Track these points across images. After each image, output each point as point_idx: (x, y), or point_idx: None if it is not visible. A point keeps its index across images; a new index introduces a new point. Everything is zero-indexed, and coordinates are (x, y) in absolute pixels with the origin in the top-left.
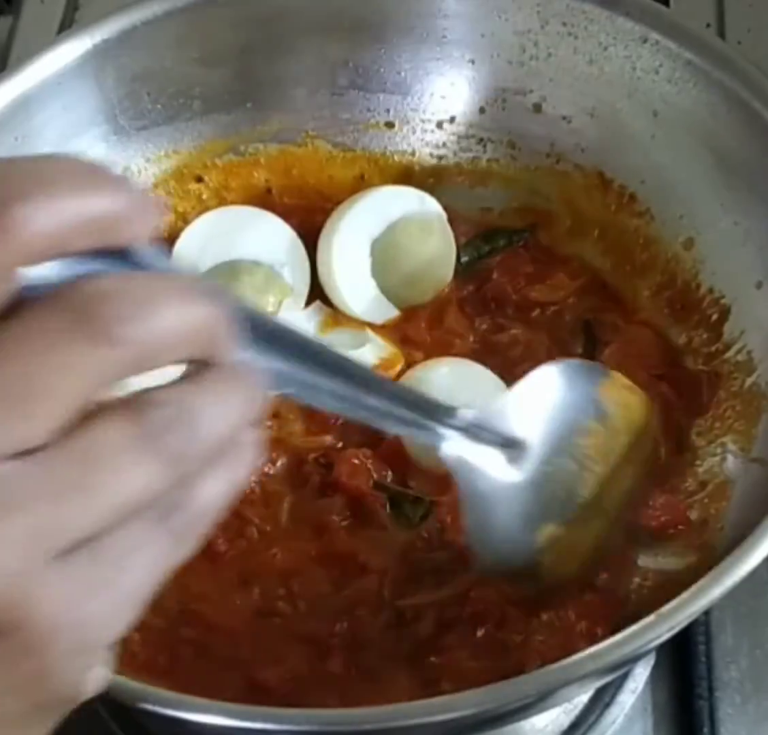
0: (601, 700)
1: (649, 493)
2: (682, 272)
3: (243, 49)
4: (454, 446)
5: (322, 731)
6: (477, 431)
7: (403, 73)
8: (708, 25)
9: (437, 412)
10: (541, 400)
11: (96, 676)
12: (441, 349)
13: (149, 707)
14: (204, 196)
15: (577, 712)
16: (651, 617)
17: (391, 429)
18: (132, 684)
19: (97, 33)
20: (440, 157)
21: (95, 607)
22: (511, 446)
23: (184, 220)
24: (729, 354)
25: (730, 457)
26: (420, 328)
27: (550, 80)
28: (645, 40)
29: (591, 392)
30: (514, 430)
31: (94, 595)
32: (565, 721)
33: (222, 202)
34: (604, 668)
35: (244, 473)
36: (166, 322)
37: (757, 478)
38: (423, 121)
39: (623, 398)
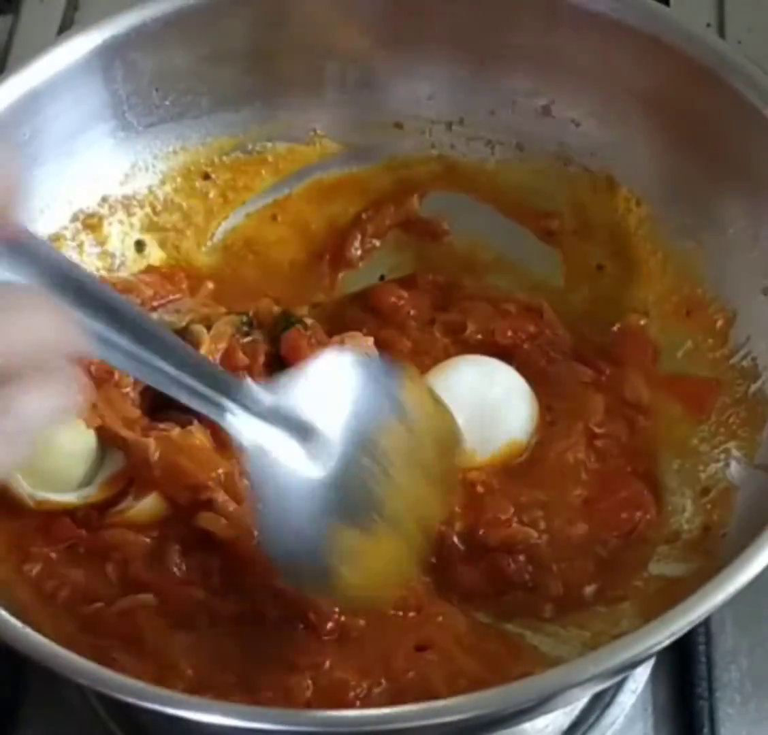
0: (601, 701)
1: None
2: (688, 277)
3: (252, 47)
4: (250, 429)
5: (323, 732)
6: (275, 415)
7: (412, 74)
8: (708, 25)
9: (232, 388)
10: (340, 388)
11: None
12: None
13: (150, 706)
14: (211, 194)
15: (577, 712)
16: (653, 622)
17: (185, 400)
18: (133, 683)
19: (107, 29)
20: (448, 159)
21: None
22: (307, 435)
23: (190, 218)
24: (734, 360)
25: (733, 464)
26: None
27: (560, 83)
28: (655, 44)
29: (392, 389)
30: (312, 418)
31: None
32: (565, 721)
33: (227, 201)
34: (605, 673)
35: (62, 399)
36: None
37: (760, 485)
38: (432, 121)
39: (426, 405)
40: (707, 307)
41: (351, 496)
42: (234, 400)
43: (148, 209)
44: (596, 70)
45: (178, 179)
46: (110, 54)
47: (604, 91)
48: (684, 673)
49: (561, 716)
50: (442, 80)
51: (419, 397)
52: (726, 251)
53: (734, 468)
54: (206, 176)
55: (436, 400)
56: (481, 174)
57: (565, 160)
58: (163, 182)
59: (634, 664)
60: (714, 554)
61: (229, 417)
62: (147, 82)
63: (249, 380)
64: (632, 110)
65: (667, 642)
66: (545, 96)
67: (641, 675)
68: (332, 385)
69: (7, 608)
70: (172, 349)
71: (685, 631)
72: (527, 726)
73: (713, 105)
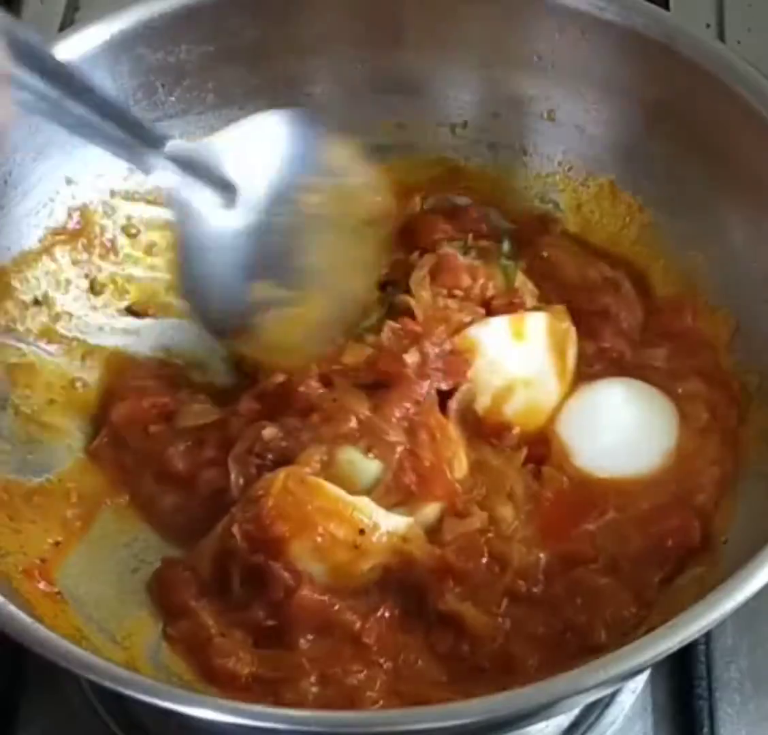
0: (601, 700)
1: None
2: (691, 286)
3: (259, 46)
4: (166, 178)
5: (330, 733)
6: (190, 165)
7: (417, 75)
8: (707, 26)
9: (149, 136)
10: (260, 146)
11: None
12: None
13: (152, 701)
14: None
15: (577, 712)
16: (662, 629)
17: (102, 145)
18: (132, 675)
19: (114, 23)
20: (452, 161)
21: None
22: (225, 188)
23: None
24: (736, 369)
25: None
26: None
27: (565, 88)
28: (661, 52)
29: (315, 147)
30: (230, 172)
31: None
32: (565, 720)
33: None
34: (615, 678)
35: None
36: None
37: (762, 493)
38: (436, 124)
39: (352, 168)
40: (710, 316)
41: (271, 248)
42: (157, 151)
43: (151, 206)
44: (602, 77)
45: None
46: (117, 48)
47: (610, 97)
48: (684, 673)
49: (561, 716)
50: (447, 83)
51: (346, 160)
52: (729, 260)
53: None
54: None
55: (365, 168)
56: (484, 177)
57: (568, 165)
58: None
59: (642, 670)
60: (716, 561)
61: (152, 167)
62: (153, 78)
63: (172, 136)
64: (637, 117)
65: (676, 648)
66: (551, 101)
67: (641, 675)
68: (257, 143)
69: (13, 603)
70: (101, 101)
71: (694, 637)
72: None
73: (718, 114)
